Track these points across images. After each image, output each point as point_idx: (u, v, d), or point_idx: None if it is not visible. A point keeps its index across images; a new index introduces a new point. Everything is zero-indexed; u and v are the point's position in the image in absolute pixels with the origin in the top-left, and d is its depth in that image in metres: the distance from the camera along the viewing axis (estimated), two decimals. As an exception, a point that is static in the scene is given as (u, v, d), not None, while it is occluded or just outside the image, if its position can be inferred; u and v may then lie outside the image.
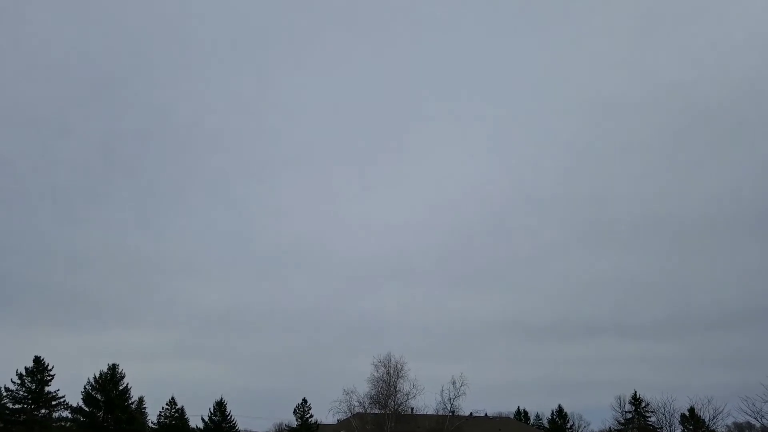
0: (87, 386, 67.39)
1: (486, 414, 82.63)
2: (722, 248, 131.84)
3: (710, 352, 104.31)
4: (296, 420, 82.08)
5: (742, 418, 64.63)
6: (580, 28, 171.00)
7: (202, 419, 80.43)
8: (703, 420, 69.76)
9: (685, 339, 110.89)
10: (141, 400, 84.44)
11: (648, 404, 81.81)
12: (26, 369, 64.79)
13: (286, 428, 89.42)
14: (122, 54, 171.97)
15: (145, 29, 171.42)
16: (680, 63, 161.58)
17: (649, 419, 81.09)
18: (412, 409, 60.63)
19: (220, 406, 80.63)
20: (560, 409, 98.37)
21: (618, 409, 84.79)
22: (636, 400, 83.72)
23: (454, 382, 61.16)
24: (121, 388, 68.48)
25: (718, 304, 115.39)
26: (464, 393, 60.97)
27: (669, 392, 75.10)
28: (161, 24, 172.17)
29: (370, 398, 59.63)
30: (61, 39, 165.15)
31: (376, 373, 60.58)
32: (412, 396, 59.79)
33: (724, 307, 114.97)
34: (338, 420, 67.73)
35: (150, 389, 77.13)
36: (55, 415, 64.88)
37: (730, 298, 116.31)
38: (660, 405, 74.49)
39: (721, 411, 66.74)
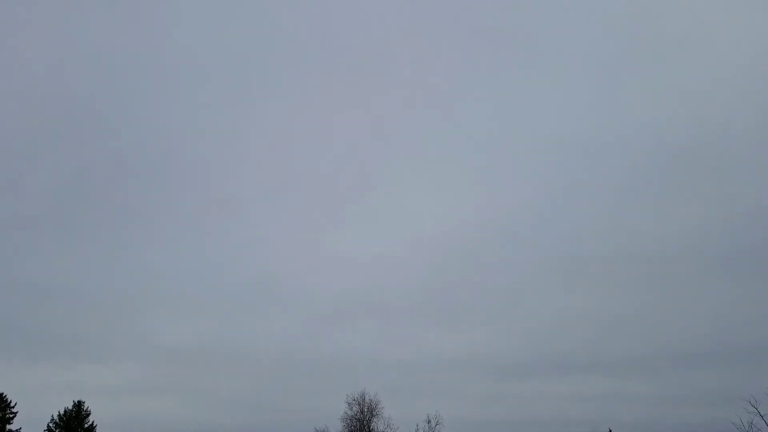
0: (50, 424, 65.24)
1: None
2: (694, 286, 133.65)
3: (682, 389, 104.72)
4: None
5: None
6: (554, 66, 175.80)
7: (170, 458, 78.15)
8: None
9: (657, 376, 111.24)
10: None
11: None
12: (-13, 406, 62.67)
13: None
14: (97, 84, 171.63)
15: (121, 59, 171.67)
16: (652, 103, 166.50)
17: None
18: (386, 448, 59.83)
19: (189, 444, 78.49)
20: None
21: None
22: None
23: (429, 421, 60.70)
24: (86, 425, 66.36)
25: (690, 342, 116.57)
26: (439, 432, 60.45)
27: (642, 430, 75.38)
28: (137, 54, 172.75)
29: (343, 437, 58.80)
30: (34, 67, 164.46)
31: (350, 412, 59.96)
32: (386, 435, 59.16)
33: (696, 345, 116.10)
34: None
35: (117, 427, 74.50)
36: (16, 454, 62.62)
37: (701, 336, 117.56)
38: (634, 443, 74.59)
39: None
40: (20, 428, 63.61)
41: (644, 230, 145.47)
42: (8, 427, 62.57)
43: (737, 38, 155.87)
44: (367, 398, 60.42)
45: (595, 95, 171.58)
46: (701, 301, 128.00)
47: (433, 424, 60.39)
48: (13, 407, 63.54)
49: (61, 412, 66.15)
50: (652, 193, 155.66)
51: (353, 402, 60.37)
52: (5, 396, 63.54)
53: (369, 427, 58.00)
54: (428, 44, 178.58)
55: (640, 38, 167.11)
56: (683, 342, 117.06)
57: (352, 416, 59.73)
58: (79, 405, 67.07)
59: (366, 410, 59.65)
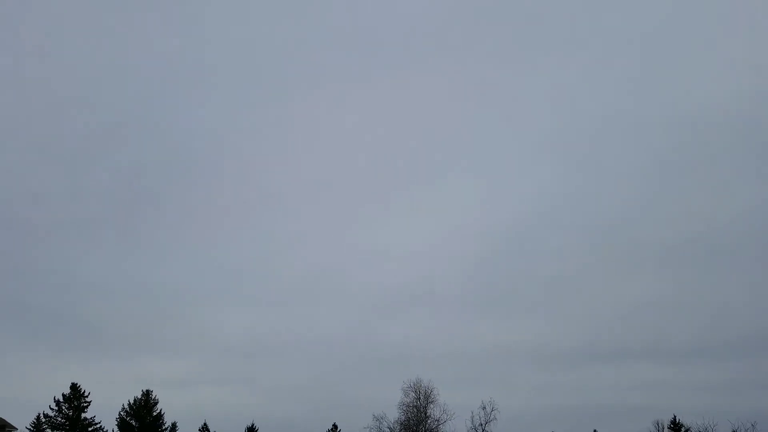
0: (122, 412, 68.38)
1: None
2: (756, 268, 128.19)
3: (748, 374, 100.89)
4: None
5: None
6: (606, 45, 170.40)
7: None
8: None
9: (722, 362, 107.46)
10: (174, 425, 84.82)
11: (689, 429, 79.35)
12: (63, 396, 66.26)
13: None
14: (147, 86, 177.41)
15: (164, 60, 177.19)
16: (708, 77, 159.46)
17: (689, 445, 78.57)
18: (443, 435, 60.07)
19: (251, 431, 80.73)
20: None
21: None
22: (676, 425, 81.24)
23: (484, 407, 60.63)
24: (155, 413, 69.33)
25: (755, 325, 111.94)
26: (495, 418, 60.37)
27: (710, 417, 73.16)
28: (180, 54, 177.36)
29: (401, 424, 59.40)
30: (85, 73, 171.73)
31: (406, 399, 60.43)
32: (443, 421, 59.42)
33: (761, 328, 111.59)
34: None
35: (183, 415, 77.49)
36: (91, 441, 66.04)
37: (766, 319, 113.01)
38: (701, 430, 72.50)
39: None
40: (94, 416, 67.14)
41: (703, 212, 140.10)
42: (83, 415, 66.05)
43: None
44: (422, 385, 60.79)
45: (646, 70, 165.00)
46: (765, 283, 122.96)
47: (488, 410, 60.31)
48: (87, 396, 67.00)
49: (131, 401, 69.30)
50: (711, 173, 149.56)
51: (409, 389, 60.82)
52: (79, 386, 67.07)
53: (426, 413, 58.41)
54: (466, 31, 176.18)
55: (695, 6, 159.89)
56: (748, 326, 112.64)
57: (409, 403, 60.21)
58: (147, 394, 70.07)
59: (422, 397, 60.06)
